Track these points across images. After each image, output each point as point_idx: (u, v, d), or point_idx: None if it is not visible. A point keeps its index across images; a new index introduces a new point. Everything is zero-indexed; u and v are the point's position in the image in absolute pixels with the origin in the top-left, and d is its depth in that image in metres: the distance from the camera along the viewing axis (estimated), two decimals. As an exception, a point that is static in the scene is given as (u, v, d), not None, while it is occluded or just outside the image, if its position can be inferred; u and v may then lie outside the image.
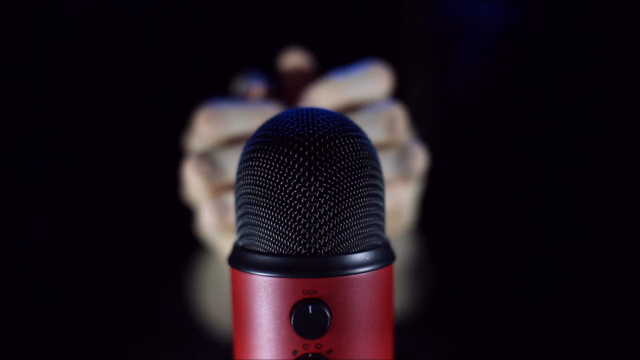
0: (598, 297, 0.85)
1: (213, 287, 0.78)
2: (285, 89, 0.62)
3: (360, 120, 0.55)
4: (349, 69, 0.58)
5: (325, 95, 0.56)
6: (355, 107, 0.57)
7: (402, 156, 0.57)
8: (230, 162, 0.55)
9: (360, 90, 0.57)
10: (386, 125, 0.56)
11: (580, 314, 0.85)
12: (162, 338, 0.82)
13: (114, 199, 0.82)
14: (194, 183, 0.56)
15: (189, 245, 0.75)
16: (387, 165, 0.56)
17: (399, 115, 0.56)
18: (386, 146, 0.57)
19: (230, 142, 0.56)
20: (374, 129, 0.55)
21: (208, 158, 0.55)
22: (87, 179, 0.82)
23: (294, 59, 0.61)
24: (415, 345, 0.80)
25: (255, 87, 0.60)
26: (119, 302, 0.83)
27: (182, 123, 0.66)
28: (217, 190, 0.56)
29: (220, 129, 0.56)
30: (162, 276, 0.82)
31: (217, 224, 0.56)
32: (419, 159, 0.58)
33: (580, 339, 0.84)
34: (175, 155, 0.67)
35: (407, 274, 0.78)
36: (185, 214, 0.68)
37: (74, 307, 0.83)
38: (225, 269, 0.45)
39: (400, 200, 0.58)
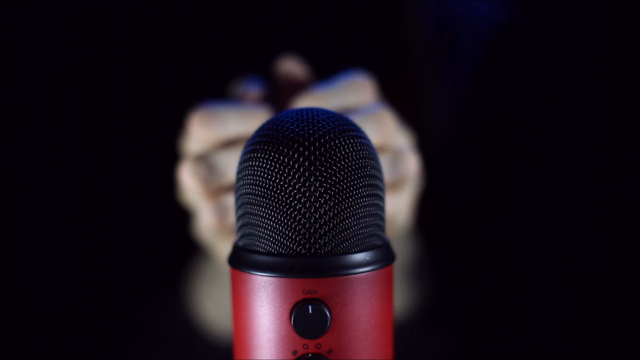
0: (598, 297, 0.85)
1: (210, 289, 0.78)
2: (280, 94, 0.61)
3: None
4: (332, 80, 0.58)
5: None
6: (345, 112, 0.57)
7: (394, 162, 0.56)
8: (226, 164, 0.55)
9: (342, 102, 0.56)
10: (375, 128, 0.55)
11: (580, 314, 0.85)
12: (160, 339, 0.82)
13: (111, 201, 0.82)
14: (191, 186, 0.56)
15: (186, 247, 0.75)
16: None
17: (387, 118, 0.55)
18: (378, 150, 0.56)
19: (225, 144, 0.56)
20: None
21: (204, 161, 0.55)
22: (84, 180, 0.82)
23: (287, 66, 0.61)
24: (415, 345, 0.80)
25: (252, 90, 0.60)
26: (116, 305, 0.83)
27: (178, 124, 0.66)
28: (214, 193, 0.56)
29: (214, 131, 0.56)
30: (159, 278, 0.82)
31: (215, 226, 0.56)
32: (412, 165, 0.57)
33: (580, 339, 0.84)
34: (171, 157, 0.66)
35: (406, 274, 0.78)
36: (182, 216, 0.68)
37: (72, 309, 0.83)
38: (222, 270, 0.45)
39: (394, 207, 0.57)
